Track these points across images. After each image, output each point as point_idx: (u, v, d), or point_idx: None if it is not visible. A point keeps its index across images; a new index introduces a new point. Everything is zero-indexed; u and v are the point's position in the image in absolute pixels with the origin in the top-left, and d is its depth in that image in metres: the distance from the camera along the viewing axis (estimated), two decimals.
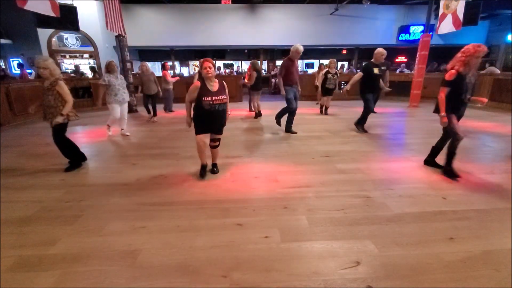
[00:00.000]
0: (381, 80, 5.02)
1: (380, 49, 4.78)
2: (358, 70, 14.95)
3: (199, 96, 2.81)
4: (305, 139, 4.82)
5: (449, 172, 3.08)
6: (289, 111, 5.07)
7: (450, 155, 3.04)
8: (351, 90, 5.09)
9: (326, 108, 7.36)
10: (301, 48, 4.74)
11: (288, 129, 5.21)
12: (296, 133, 5.15)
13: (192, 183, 3.05)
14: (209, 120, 2.93)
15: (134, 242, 2.02)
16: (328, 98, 7.24)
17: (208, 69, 2.78)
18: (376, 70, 4.77)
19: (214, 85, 2.88)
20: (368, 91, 4.90)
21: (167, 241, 2.03)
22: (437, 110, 3.05)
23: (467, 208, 2.45)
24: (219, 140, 3.19)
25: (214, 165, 3.36)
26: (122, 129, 5.24)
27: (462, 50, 2.83)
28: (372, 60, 4.86)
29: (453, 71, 2.85)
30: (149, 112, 6.66)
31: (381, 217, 2.32)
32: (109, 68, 4.76)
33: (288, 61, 4.85)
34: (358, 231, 2.13)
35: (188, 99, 2.93)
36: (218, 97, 2.84)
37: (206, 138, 3.01)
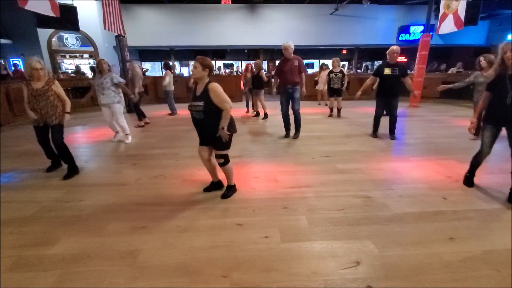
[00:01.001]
0: (406, 82, 4.54)
1: (393, 47, 4.44)
2: (359, 71, 14.99)
3: None
4: (305, 139, 4.82)
5: (466, 178, 2.94)
6: (282, 116, 4.84)
7: (472, 166, 2.89)
8: (362, 94, 4.87)
9: (338, 110, 6.89)
10: (286, 44, 4.41)
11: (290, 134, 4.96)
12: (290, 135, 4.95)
13: (192, 183, 3.04)
14: (196, 127, 2.56)
15: (134, 242, 2.02)
16: (337, 99, 6.81)
17: (193, 69, 2.39)
18: (387, 71, 4.45)
19: (199, 88, 2.43)
20: (378, 93, 4.65)
21: (167, 241, 2.03)
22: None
23: (467, 208, 2.45)
24: (221, 157, 2.56)
25: (227, 187, 2.76)
26: (116, 132, 4.89)
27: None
28: (387, 59, 4.55)
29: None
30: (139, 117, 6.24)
31: (381, 217, 2.32)
32: (99, 68, 4.44)
33: (281, 60, 4.64)
34: (358, 231, 2.13)
35: None
36: (195, 103, 2.38)
37: (202, 151, 2.61)
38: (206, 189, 2.84)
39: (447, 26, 7.38)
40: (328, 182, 3.02)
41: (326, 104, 8.60)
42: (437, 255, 1.84)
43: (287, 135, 4.93)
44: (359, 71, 15.02)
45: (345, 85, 6.84)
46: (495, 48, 2.65)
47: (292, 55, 4.54)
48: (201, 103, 2.34)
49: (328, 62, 8.57)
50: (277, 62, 17.95)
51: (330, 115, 6.99)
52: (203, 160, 2.66)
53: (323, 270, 1.72)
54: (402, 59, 16.62)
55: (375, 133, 4.92)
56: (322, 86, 8.45)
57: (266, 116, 6.81)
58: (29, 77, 3.09)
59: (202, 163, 2.72)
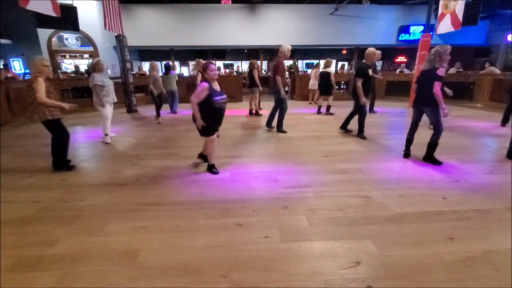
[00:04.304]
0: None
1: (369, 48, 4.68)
2: None
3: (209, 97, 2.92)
4: (305, 139, 4.82)
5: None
6: (285, 111, 5.26)
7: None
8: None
9: (328, 108, 7.27)
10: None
11: (280, 129, 5.33)
12: (286, 132, 5.26)
13: (192, 183, 3.05)
14: (221, 116, 3.17)
15: (134, 242, 2.02)
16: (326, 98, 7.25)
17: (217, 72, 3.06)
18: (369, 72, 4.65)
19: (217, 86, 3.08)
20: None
21: (167, 241, 2.03)
22: None
23: (467, 208, 2.45)
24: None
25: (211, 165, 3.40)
26: (106, 134, 4.80)
27: None
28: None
29: None
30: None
31: (381, 217, 2.32)
32: (99, 67, 4.44)
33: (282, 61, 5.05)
34: (358, 231, 2.13)
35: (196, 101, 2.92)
36: (223, 97, 3.07)
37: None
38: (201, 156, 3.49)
39: (445, 26, 7.37)
40: (328, 182, 3.02)
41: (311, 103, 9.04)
42: (437, 255, 1.84)
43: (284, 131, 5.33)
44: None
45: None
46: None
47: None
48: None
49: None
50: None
51: (327, 114, 7.24)
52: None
53: (323, 270, 1.72)
54: (402, 59, 16.66)
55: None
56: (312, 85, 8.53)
57: (252, 113, 7.15)
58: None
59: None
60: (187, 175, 3.27)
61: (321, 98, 7.38)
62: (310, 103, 9.19)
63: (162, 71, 7.58)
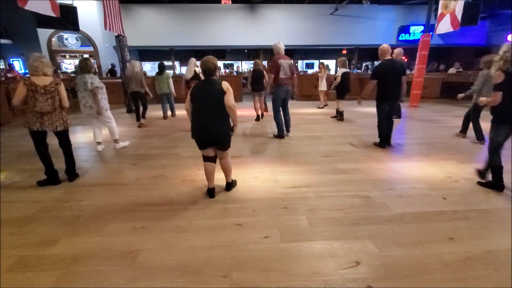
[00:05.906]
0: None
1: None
2: (359, 71, 14.99)
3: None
4: (305, 139, 4.82)
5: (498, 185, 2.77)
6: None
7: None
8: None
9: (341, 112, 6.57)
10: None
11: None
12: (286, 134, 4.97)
13: (192, 183, 3.04)
14: None
15: (134, 242, 2.02)
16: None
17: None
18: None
19: None
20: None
21: (167, 241, 2.03)
22: None
23: (467, 208, 2.45)
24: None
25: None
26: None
27: None
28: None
29: None
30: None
31: (381, 217, 2.32)
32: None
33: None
34: (358, 231, 2.13)
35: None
36: None
37: None
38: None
39: (444, 26, 7.38)
40: (328, 182, 3.02)
41: (321, 107, 8.47)
42: (437, 255, 1.84)
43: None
44: (359, 71, 15.01)
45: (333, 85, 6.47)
46: (496, 48, 2.65)
47: (279, 55, 4.59)
48: None
49: (329, 62, 8.47)
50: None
51: (340, 119, 6.54)
52: None
53: (323, 270, 1.72)
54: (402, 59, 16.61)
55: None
56: (323, 87, 8.13)
57: (260, 117, 6.68)
58: (32, 73, 2.86)
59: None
60: (187, 175, 3.27)
61: (341, 102, 6.51)
62: (325, 105, 8.48)
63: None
